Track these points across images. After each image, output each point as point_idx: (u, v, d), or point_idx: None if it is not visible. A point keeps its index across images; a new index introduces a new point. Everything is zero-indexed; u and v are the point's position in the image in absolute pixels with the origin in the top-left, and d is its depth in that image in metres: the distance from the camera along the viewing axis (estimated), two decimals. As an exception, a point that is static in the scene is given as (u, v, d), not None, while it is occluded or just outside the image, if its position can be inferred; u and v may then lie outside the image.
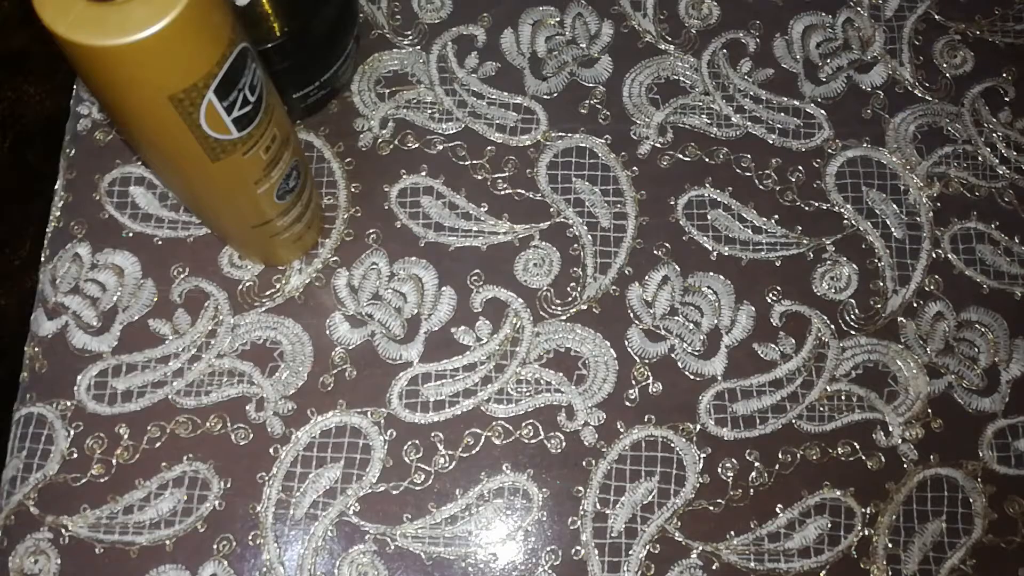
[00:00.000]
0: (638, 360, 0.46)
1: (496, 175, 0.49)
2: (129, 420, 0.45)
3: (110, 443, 0.44)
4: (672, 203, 0.49)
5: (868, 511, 0.44)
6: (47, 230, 0.48)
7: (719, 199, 0.49)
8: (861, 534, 0.44)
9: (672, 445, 0.45)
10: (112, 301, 0.46)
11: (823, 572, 0.43)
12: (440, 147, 0.50)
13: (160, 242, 0.48)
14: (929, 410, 0.46)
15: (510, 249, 0.48)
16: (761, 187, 0.49)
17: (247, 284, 0.47)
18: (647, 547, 0.43)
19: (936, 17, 0.53)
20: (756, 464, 0.45)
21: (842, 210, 0.49)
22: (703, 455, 0.45)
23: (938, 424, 0.46)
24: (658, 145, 0.50)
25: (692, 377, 0.46)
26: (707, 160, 0.50)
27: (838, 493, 0.44)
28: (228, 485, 0.44)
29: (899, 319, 0.47)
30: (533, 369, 0.46)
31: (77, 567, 0.43)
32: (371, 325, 0.46)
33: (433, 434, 0.45)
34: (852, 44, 0.53)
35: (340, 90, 0.50)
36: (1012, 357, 0.47)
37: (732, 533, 0.44)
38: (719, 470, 0.45)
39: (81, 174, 0.49)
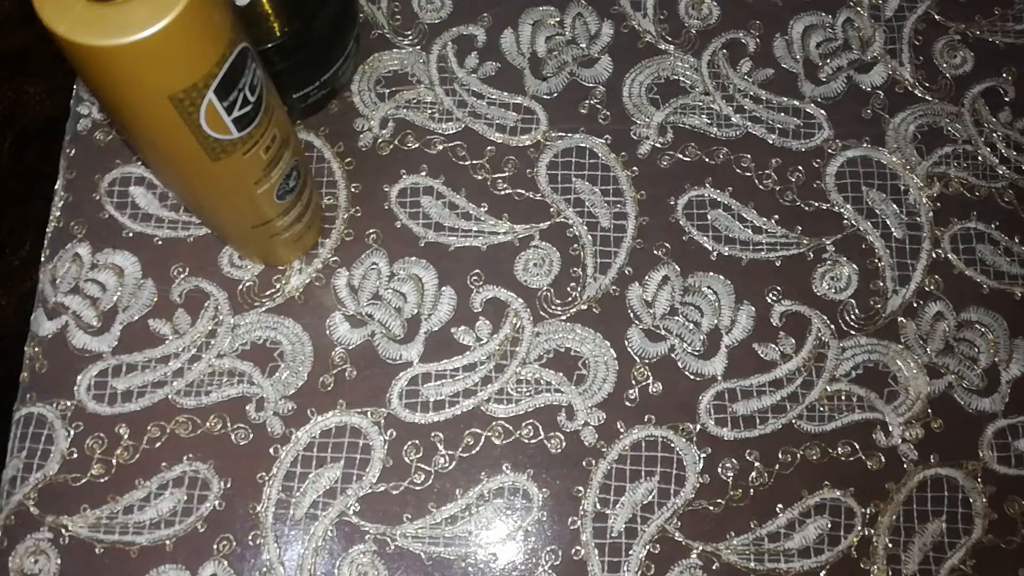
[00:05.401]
0: (638, 360, 0.46)
1: (496, 175, 0.49)
2: (129, 420, 0.45)
3: (110, 443, 0.44)
4: (672, 203, 0.49)
5: (868, 511, 0.44)
6: (47, 230, 0.48)
7: (719, 199, 0.49)
8: (861, 534, 0.44)
9: (672, 445, 0.45)
10: (112, 301, 0.46)
11: (823, 572, 0.43)
12: (440, 147, 0.50)
13: (160, 242, 0.48)
14: (929, 410, 0.46)
15: (510, 249, 0.48)
16: (761, 187, 0.49)
17: (247, 284, 0.47)
18: (647, 547, 0.43)
19: (936, 17, 0.53)
20: (756, 464, 0.45)
21: (842, 210, 0.49)
22: (703, 455, 0.45)
23: (938, 424, 0.46)
24: (658, 145, 0.50)
25: (692, 377, 0.46)
26: (707, 160, 0.50)
27: (838, 493, 0.44)
28: (228, 485, 0.44)
29: (899, 319, 0.47)
30: (533, 369, 0.46)
31: (77, 567, 0.43)
32: (371, 325, 0.46)
33: (433, 434, 0.45)
34: (852, 44, 0.53)
35: (340, 90, 0.50)
36: (1012, 357, 0.47)
37: (732, 533, 0.44)
38: (719, 470, 0.45)
39: (81, 174, 0.49)
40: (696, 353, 0.46)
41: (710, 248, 0.48)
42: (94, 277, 0.47)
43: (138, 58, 0.27)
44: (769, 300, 0.47)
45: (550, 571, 0.43)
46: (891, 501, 0.44)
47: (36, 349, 0.46)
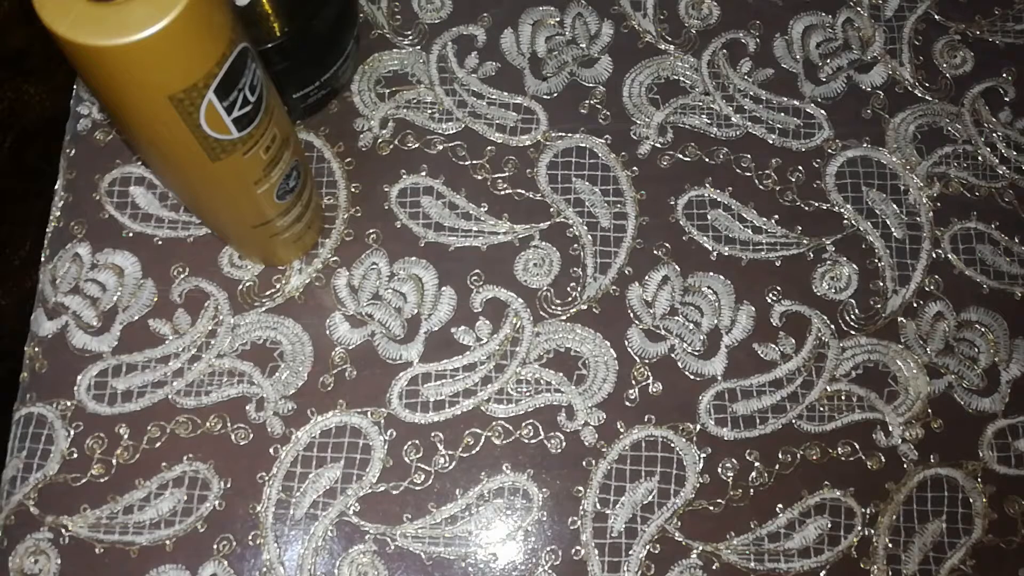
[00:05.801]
0: (638, 360, 0.46)
1: (496, 175, 0.49)
2: (129, 420, 0.45)
3: (110, 443, 0.44)
4: (672, 203, 0.49)
5: (868, 511, 0.44)
6: (47, 230, 0.48)
7: (719, 199, 0.49)
8: (861, 534, 0.44)
9: (672, 445, 0.45)
10: (112, 301, 0.46)
11: (823, 572, 0.43)
12: (440, 147, 0.50)
13: (160, 242, 0.48)
14: (929, 410, 0.46)
15: (510, 249, 0.48)
16: (761, 187, 0.49)
17: (247, 284, 0.47)
18: (647, 547, 0.43)
19: (936, 17, 0.53)
20: (756, 464, 0.45)
21: (842, 210, 0.49)
22: (703, 455, 0.45)
23: (938, 424, 0.46)
24: (658, 145, 0.50)
25: (692, 377, 0.46)
26: (707, 160, 0.50)
27: (838, 493, 0.44)
28: (228, 485, 0.44)
29: (899, 319, 0.47)
30: (533, 369, 0.46)
31: (77, 567, 0.43)
32: (371, 325, 0.46)
33: (433, 434, 0.45)
34: (852, 44, 0.53)
35: (340, 90, 0.50)
36: (1012, 357, 0.47)
37: (732, 533, 0.44)
38: (719, 470, 0.45)
39: (81, 174, 0.49)
40: (696, 353, 0.46)
41: (710, 248, 0.48)
42: (94, 277, 0.47)
43: (138, 58, 0.27)
44: (769, 300, 0.47)
45: (550, 571, 0.43)
46: (891, 501, 0.44)
47: (36, 349, 0.46)
